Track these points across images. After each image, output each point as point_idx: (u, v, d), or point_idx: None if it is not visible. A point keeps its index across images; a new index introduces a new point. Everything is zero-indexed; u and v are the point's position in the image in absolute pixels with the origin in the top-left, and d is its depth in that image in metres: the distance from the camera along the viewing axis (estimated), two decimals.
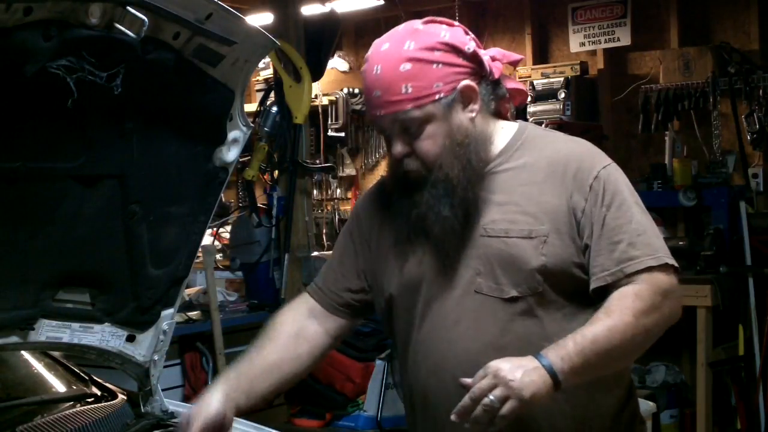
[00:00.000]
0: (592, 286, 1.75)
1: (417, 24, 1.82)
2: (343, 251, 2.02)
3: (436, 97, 1.77)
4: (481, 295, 1.79)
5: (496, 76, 1.86)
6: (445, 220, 1.78)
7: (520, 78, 5.74)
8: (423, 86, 1.76)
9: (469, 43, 1.81)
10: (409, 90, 1.75)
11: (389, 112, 1.77)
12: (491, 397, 1.57)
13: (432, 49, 1.77)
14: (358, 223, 2.01)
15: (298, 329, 1.98)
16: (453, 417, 1.62)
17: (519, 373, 1.59)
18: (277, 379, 1.95)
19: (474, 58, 1.81)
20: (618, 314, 1.69)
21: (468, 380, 1.62)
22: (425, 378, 1.85)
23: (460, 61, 1.79)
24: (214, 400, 1.84)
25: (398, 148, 1.79)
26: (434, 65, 1.77)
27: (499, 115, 1.91)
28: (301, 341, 1.97)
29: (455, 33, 1.81)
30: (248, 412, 1.93)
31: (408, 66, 1.76)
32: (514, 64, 2.01)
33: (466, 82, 1.79)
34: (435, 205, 1.78)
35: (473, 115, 1.81)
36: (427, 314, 1.84)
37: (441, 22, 1.83)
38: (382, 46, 1.82)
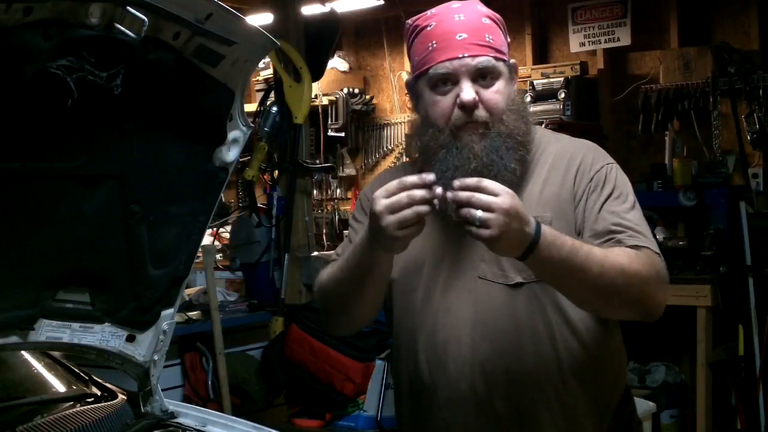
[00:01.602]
0: None
1: None
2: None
3: (505, 58, 1.84)
4: (485, 281, 1.81)
5: None
6: (512, 172, 1.79)
7: (520, 78, 5.74)
8: (499, 43, 1.83)
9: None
10: (492, 41, 1.81)
11: (475, 55, 1.78)
12: (479, 215, 1.54)
13: (498, 18, 1.86)
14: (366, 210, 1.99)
15: None
16: (457, 183, 1.57)
17: (516, 223, 1.56)
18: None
19: (507, 48, 1.89)
20: (615, 253, 1.69)
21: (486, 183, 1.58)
22: (424, 363, 1.85)
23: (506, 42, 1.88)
24: None
25: (472, 93, 1.78)
26: (500, 31, 1.85)
27: None
28: None
29: None
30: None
31: (487, 21, 1.83)
32: None
33: (514, 60, 1.89)
34: (501, 157, 1.78)
35: (517, 93, 1.88)
36: (428, 299, 1.85)
37: None
38: (453, 5, 1.86)
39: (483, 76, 1.79)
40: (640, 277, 1.69)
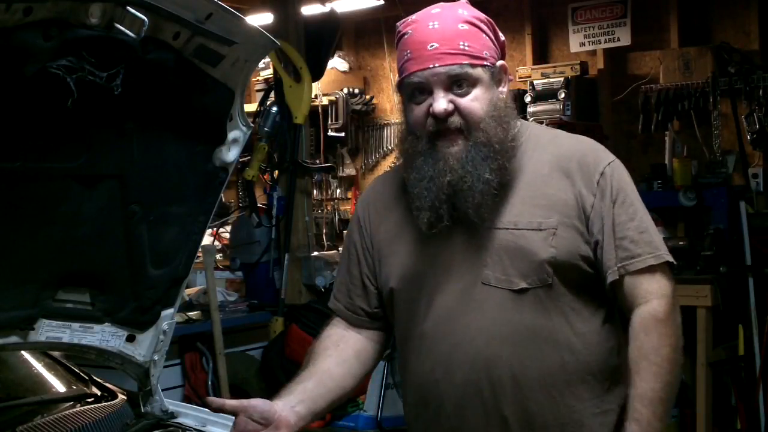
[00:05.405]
0: (607, 281, 1.80)
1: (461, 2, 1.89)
2: (348, 260, 2.01)
3: (485, 63, 1.81)
4: (489, 287, 1.80)
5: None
6: (486, 183, 1.78)
7: (520, 78, 5.75)
8: (477, 48, 1.81)
9: (500, 32, 1.89)
10: (467, 47, 1.79)
11: (446, 64, 1.78)
12: None
13: (481, 20, 1.84)
14: (358, 225, 2.00)
15: (339, 338, 1.98)
16: None
17: None
18: (331, 387, 1.92)
19: (503, 48, 1.88)
20: (655, 352, 1.76)
21: None
22: (430, 371, 1.85)
23: (496, 43, 1.86)
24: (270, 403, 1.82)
25: (444, 104, 1.78)
26: (483, 35, 1.83)
27: None
28: (345, 347, 1.97)
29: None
30: (313, 420, 1.89)
31: (465, 27, 1.81)
32: None
33: (503, 62, 1.86)
34: (476, 167, 1.77)
35: (503, 96, 1.86)
36: (431, 307, 1.84)
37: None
38: (433, 9, 1.85)
39: (458, 84, 1.78)
40: (676, 332, 1.79)
